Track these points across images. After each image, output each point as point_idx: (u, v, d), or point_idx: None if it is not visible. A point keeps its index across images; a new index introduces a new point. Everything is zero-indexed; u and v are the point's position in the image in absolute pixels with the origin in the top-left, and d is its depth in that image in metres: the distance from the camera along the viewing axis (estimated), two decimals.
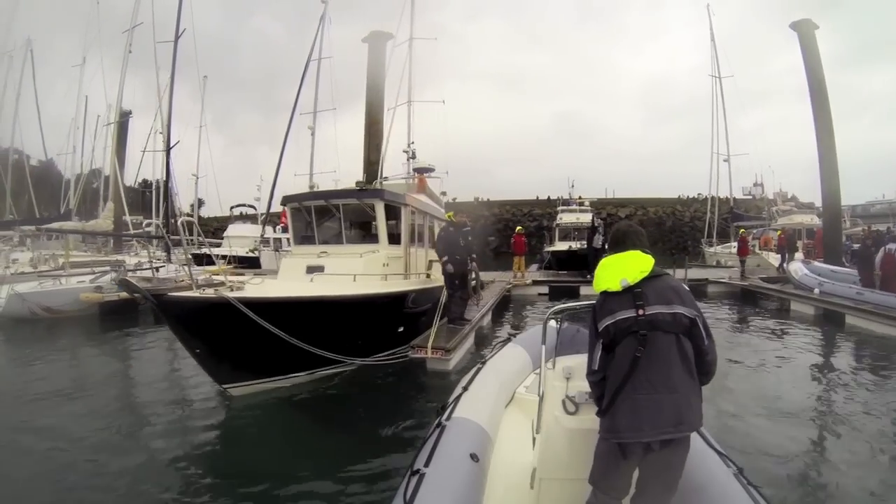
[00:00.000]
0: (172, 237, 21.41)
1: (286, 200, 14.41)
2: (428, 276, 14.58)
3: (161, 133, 43.81)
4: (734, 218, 42.84)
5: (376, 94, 28.72)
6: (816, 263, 22.39)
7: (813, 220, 34.57)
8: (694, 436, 3.67)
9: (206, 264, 14.81)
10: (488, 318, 17.33)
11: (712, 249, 42.26)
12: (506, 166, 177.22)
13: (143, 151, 37.68)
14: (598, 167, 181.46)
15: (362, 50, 30.70)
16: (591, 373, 3.51)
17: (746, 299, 23.62)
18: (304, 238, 13.98)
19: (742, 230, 31.19)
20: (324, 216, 13.62)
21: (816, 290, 18.71)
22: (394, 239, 13.63)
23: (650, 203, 70.64)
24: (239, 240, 34.75)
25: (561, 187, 50.13)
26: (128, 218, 31.38)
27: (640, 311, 3.24)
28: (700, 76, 45.13)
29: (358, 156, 30.40)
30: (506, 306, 22.24)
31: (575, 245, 31.56)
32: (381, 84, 28.93)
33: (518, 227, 28.39)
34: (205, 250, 20.15)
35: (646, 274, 3.34)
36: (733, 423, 7.81)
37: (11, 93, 41.34)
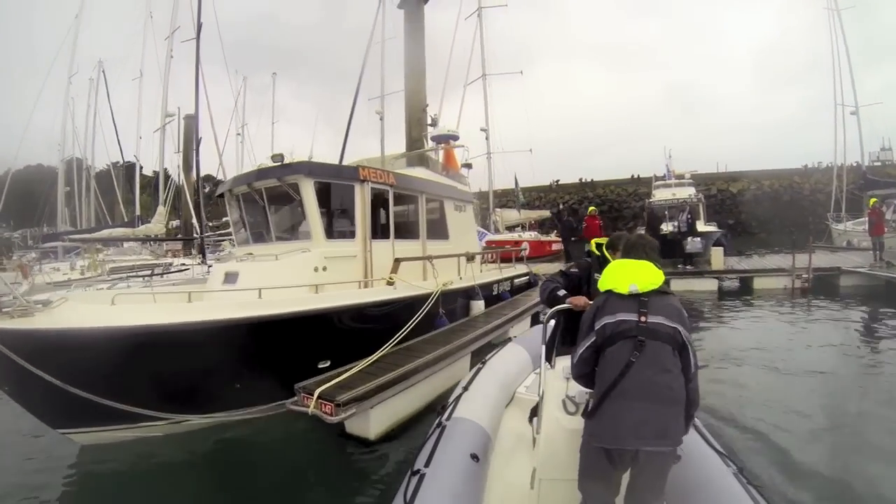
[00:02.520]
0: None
1: (220, 190, 11.45)
2: (389, 281, 9.90)
3: (238, 134, 44.97)
4: (868, 185, 32.80)
5: (416, 64, 25.28)
6: None
7: None
8: (694, 436, 4.26)
9: None
10: (519, 330, 12.08)
11: (841, 226, 33.49)
12: (616, 145, 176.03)
13: (177, 153, 35.05)
14: (712, 141, 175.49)
15: (431, 27, 27.86)
16: (574, 366, 3.67)
17: (894, 298, 16.24)
18: (242, 236, 11.10)
19: (873, 200, 22.79)
20: (254, 206, 10.37)
21: None
22: (338, 232, 10.04)
23: (765, 176, 64.02)
24: None
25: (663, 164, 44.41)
26: (195, 221, 29.48)
27: (643, 318, 3.39)
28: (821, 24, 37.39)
29: None
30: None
31: (668, 227, 25.72)
32: (421, 54, 25.45)
33: (591, 208, 23.69)
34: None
35: (655, 286, 3.52)
36: None
37: (83, 110, 44.22)
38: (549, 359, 4.56)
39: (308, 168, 9.39)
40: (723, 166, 68.47)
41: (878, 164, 46.17)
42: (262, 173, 9.69)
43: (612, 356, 3.37)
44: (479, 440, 4.63)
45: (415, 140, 23.09)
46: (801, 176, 62.84)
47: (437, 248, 11.94)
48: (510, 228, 38.02)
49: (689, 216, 23.59)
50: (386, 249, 10.36)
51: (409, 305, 9.25)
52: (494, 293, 13.84)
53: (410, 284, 9.90)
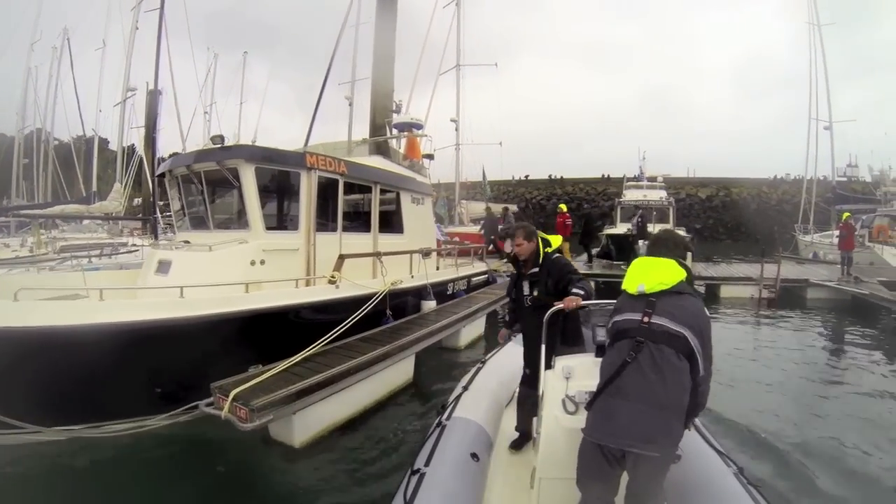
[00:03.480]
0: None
1: (161, 169, 10.48)
2: (332, 280, 9.15)
3: (206, 113, 44.49)
4: (836, 200, 34.61)
5: (385, 49, 24.11)
6: None
7: None
8: (694, 436, 4.25)
9: None
10: (472, 330, 12.23)
11: (808, 238, 33.80)
12: (587, 143, 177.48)
13: (131, 128, 35.23)
14: (685, 146, 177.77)
15: (408, 14, 28.19)
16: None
17: (859, 314, 16.32)
18: (181, 220, 10.28)
19: (846, 214, 23.00)
20: (193, 190, 9.79)
21: None
22: (283, 222, 9.68)
23: (734, 184, 65.12)
24: None
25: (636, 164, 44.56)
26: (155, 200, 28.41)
27: (646, 319, 3.32)
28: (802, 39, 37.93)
29: None
30: None
31: (632, 227, 24.84)
32: (391, 39, 24.31)
33: (561, 205, 23.15)
34: None
35: (664, 287, 3.38)
36: None
37: (45, 80, 42.66)
38: (548, 359, 4.47)
39: (249, 152, 8.74)
40: (692, 171, 69.35)
41: (844, 179, 46.56)
42: (200, 155, 8.87)
43: (612, 353, 3.42)
44: (479, 440, 4.70)
45: (379, 127, 22.46)
46: (770, 186, 64.42)
47: (391, 242, 11.36)
48: (475, 221, 37.75)
49: (640, 219, 23.31)
50: (332, 243, 9.71)
51: (351, 306, 8.57)
52: (449, 293, 13.28)
53: (355, 284, 9.23)
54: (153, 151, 27.39)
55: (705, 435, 4.46)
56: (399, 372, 8.66)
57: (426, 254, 12.45)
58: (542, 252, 5.39)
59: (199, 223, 9.63)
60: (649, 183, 35.22)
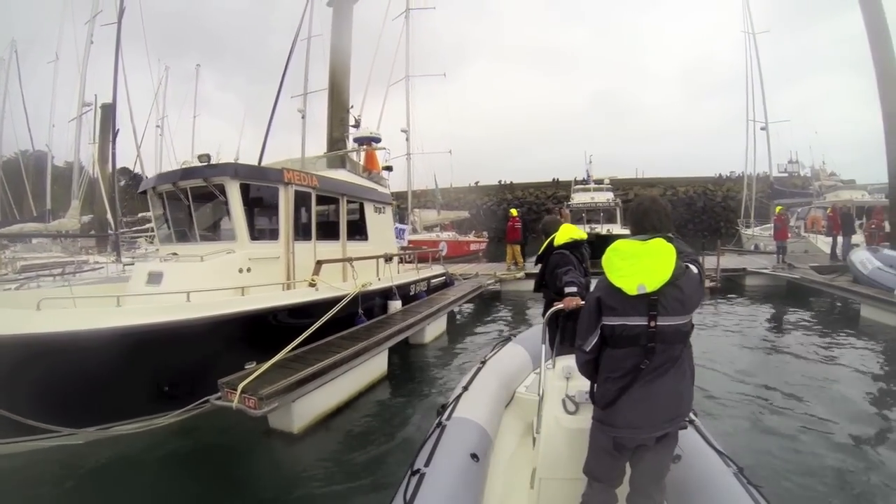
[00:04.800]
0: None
1: (143, 186, 11.08)
2: (312, 283, 10.01)
3: (158, 126, 43.70)
4: (774, 195, 37.11)
5: (341, 64, 25.40)
6: (888, 251, 16.51)
7: (864, 197, 29.30)
8: (694, 435, 4.23)
9: None
10: (436, 328, 13.21)
11: (750, 231, 36.61)
12: (538, 147, 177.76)
13: (92, 143, 32.97)
14: (634, 147, 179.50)
15: (360, 25, 27.92)
16: (580, 350, 3.35)
17: (794, 297, 18.15)
18: (165, 234, 10.87)
19: (779, 208, 25.09)
20: (178, 205, 10.37)
21: None
22: (264, 234, 10.32)
23: (680, 182, 67.60)
24: None
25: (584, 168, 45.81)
26: (110, 217, 27.99)
27: (653, 323, 3.04)
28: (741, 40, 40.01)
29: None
30: (488, 310, 17.94)
31: (586, 229, 26.41)
32: (347, 52, 25.65)
33: (511, 210, 24.04)
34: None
35: (666, 281, 2.99)
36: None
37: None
38: (548, 358, 4.42)
39: (234, 169, 9.46)
40: (641, 172, 70.84)
41: (786, 174, 48.81)
42: (187, 172, 9.59)
43: (621, 358, 3.13)
44: (479, 440, 4.55)
45: (336, 140, 23.17)
46: (715, 184, 67.03)
47: (357, 248, 12.18)
48: (428, 228, 38.35)
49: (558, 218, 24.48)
50: (308, 251, 10.52)
51: (330, 307, 9.39)
52: (412, 293, 14.15)
53: (331, 286, 10.07)
54: (112, 166, 27.31)
55: (705, 435, 4.35)
56: (375, 365, 9.47)
57: (388, 258, 13.33)
58: (545, 246, 5.73)
59: (183, 236, 10.27)
60: (596, 186, 36.76)
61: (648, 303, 3.01)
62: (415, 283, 14.64)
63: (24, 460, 6.51)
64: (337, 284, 10.39)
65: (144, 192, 10.91)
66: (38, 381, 6.33)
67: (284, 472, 6.59)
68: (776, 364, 10.35)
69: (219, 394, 7.05)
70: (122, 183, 36.17)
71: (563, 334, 4.69)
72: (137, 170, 38.62)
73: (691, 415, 4.28)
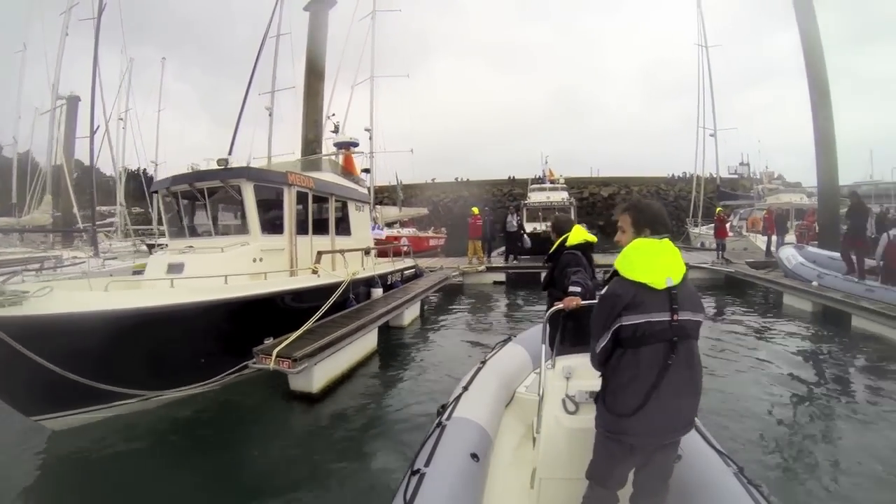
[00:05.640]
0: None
1: (155, 186, 12.35)
2: (314, 271, 11.71)
3: (121, 119, 42.63)
4: (721, 196, 40.15)
5: (316, 67, 26.65)
6: (811, 248, 19.46)
7: (802, 200, 31.84)
8: (694, 435, 4.10)
9: None
10: (412, 313, 14.93)
11: (697, 230, 39.28)
12: (496, 145, 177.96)
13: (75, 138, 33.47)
14: (590, 146, 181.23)
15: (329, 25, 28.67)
16: (593, 357, 3.34)
17: (731, 288, 20.82)
18: (177, 230, 12.09)
19: (719, 209, 27.96)
20: (194, 203, 11.71)
21: (815, 283, 15.85)
22: (279, 228, 11.55)
23: (634, 182, 69.12)
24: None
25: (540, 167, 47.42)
26: (76, 211, 28.51)
27: (675, 316, 3.07)
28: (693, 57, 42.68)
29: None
30: (452, 300, 19.61)
31: (541, 227, 28.37)
32: (322, 56, 26.86)
33: (474, 208, 25.54)
34: (163, 240, 18.33)
35: (684, 274, 3.18)
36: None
37: None
38: (548, 358, 4.39)
39: (248, 173, 10.81)
40: (596, 171, 72.20)
41: (736, 176, 51.59)
42: (206, 174, 10.85)
43: (645, 357, 3.09)
44: (479, 440, 4.56)
45: (310, 141, 24.22)
46: (667, 184, 69.15)
47: (342, 242, 13.68)
48: (389, 225, 39.44)
49: (518, 218, 27.06)
50: (305, 243, 11.94)
51: (330, 291, 10.89)
52: (389, 282, 15.77)
53: (330, 273, 11.72)
54: (91, 160, 27.78)
55: (705, 435, 4.35)
56: (368, 341, 11.04)
57: (367, 251, 15.20)
58: (557, 245, 5.80)
59: (197, 231, 11.63)
60: (552, 185, 38.47)
61: (670, 297, 3.08)
62: (391, 273, 16.30)
63: (111, 423, 7.62)
64: (332, 272, 12.01)
65: (156, 191, 12.26)
66: (133, 351, 7.54)
67: (311, 424, 7.97)
68: (713, 340, 12.17)
69: (254, 359, 8.52)
70: (76, 175, 35.76)
71: (563, 334, 4.74)
72: (108, 164, 38.97)
73: None
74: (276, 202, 11.46)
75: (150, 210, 41.61)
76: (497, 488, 4.37)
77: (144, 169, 48.03)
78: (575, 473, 3.62)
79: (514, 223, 25.61)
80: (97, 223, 27.94)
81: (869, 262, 14.30)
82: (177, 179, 11.38)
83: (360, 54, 38.15)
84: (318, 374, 8.85)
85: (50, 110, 30.88)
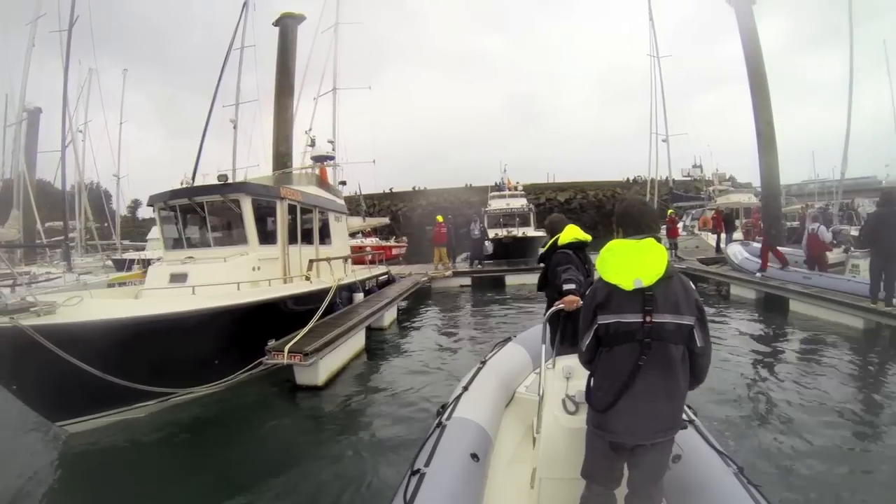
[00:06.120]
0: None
1: (151, 200, 12.75)
2: (307, 278, 12.92)
3: (80, 131, 41.60)
4: (673, 199, 41.60)
5: (286, 82, 27.18)
6: (756, 244, 21.18)
7: (750, 200, 33.60)
8: (694, 435, 4.19)
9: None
10: (390, 315, 15.97)
11: None
12: (454, 152, 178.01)
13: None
14: (546, 152, 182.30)
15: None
16: (580, 354, 3.50)
17: None
18: (174, 242, 12.60)
19: (670, 211, 30.64)
20: (192, 216, 12.32)
21: (758, 274, 17.79)
22: (267, 238, 12.30)
23: (591, 186, 70.67)
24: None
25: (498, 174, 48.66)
26: (39, 226, 29.07)
27: (648, 318, 3.09)
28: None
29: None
30: (423, 301, 21.01)
31: (503, 233, 30.41)
32: (292, 70, 27.46)
33: (438, 217, 26.73)
34: (128, 255, 19.77)
35: (660, 276, 3.10)
36: None
37: None
38: (548, 358, 4.44)
39: (247, 188, 11.77)
40: (552, 177, 73.16)
41: (689, 178, 53.55)
42: (207, 189, 11.77)
43: (620, 357, 3.18)
44: (479, 440, 4.58)
45: (282, 154, 24.74)
46: (623, 187, 69.92)
47: (325, 251, 14.69)
48: (352, 235, 39.99)
49: (481, 224, 28.62)
50: (295, 253, 12.89)
51: (321, 295, 11.90)
52: (367, 288, 16.87)
53: (319, 280, 12.84)
54: (63, 173, 27.53)
55: (705, 435, 4.36)
56: (358, 340, 12.14)
57: (346, 259, 16.35)
58: (550, 245, 5.75)
59: (195, 242, 12.31)
60: (511, 192, 39.76)
61: (644, 299, 3.09)
62: (369, 279, 17.44)
63: (127, 424, 8.22)
64: (322, 278, 13.09)
65: (150, 204, 12.86)
66: (139, 355, 8.02)
67: (318, 412, 9.03)
68: None
69: (267, 356, 9.60)
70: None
71: (563, 334, 4.71)
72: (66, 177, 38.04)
73: (691, 414, 4.64)
74: (268, 214, 12.35)
75: (110, 224, 42.15)
76: (497, 488, 4.40)
77: (98, 182, 47.92)
78: (575, 473, 3.63)
79: (478, 230, 26.98)
80: (56, 238, 28.71)
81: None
82: (176, 193, 12.14)
83: (324, 67, 38.44)
84: (323, 368, 9.90)
85: (16, 123, 30.80)
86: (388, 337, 14.56)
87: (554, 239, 5.83)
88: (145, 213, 50.47)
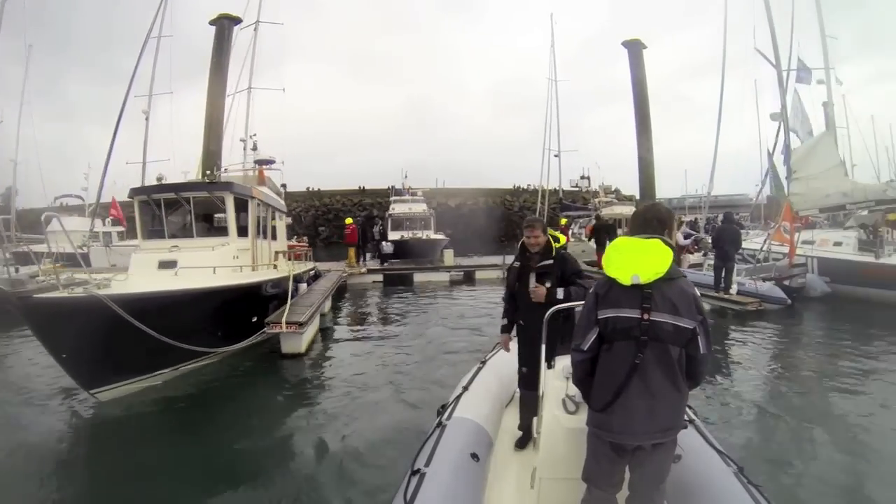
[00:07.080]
0: None
1: (134, 193, 13.90)
2: (274, 266, 15.35)
3: None
4: (563, 208, 44.52)
5: (219, 82, 27.88)
6: None
7: (632, 210, 36.08)
8: (694, 435, 4.15)
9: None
10: (328, 304, 18.18)
11: None
12: (341, 154, 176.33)
13: None
14: (443, 157, 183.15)
15: (209, 32, 28.84)
16: (577, 350, 3.32)
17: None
18: (153, 232, 13.69)
19: (563, 220, 33.84)
20: (172, 209, 13.57)
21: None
22: (240, 231, 13.90)
23: (481, 193, 72.32)
24: (65, 235, 30.98)
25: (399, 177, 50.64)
26: None
27: (645, 315, 3.05)
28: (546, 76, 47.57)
29: (195, 143, 28.42)
30: (341, 295, 23.14)
31: (407, 234, 33.44)
32: (226, 71, 28.14)
33: (347, 219, 29.43)
34: (23, 248, 17.19)
35: (660, 276, 3.05)
36: None
37: None
38: (549, 358, 4.44)
39: (231, 187, 13.62)
40: (442, 182, 74.32)
41: (577, 189, 57.40)
42: (195, 186, 13.77)
43: (618, 354, 3.14)
44: (479, 440, 4.59)
45: (212, 152, 25.60)
46: (513, 195, 73.45)
47: (274, 245, 16.82)
48: None
49: (381, 227, 32.20)
50: (259, 245, 14.77)
51: (284, 282, 14.25)
52: (305, 280, 18.66)
53: (281, 269, 15.23)
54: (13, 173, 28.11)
55: (705, 435, 4.35)
56: (317, 319, 14.50)
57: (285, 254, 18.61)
58: (553, 245, 5.35)
59: (178, 233, 13.63)
60: (412, 197, 42.37)
61: (642, 296, 3.06)
62: (307, 272, 19.54)
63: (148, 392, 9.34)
64: (285, 268, 15.36)
65: (132, 196, 14.01)
66: (186, 320, 9.61)
67: (305, 373, 11.12)
68: None
69: (263, 330, 12.00)
70: None
71: (563, 334, 4.58)
72: None
73: (691, 414, 4.58)
74: (242, 210, 14.00)
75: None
76: (497, 488, 4.35)
77: None
78: (575, 473, 3.55)
79: (377, 233, 30.20)
80: None
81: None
82: (162, 188, 13.72)
83: (242, 65, 37.94)
84: (304, 338, 12.19)
85: None
86: (333, 318, 17.85)
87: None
88: (27, 202, 44.18)
